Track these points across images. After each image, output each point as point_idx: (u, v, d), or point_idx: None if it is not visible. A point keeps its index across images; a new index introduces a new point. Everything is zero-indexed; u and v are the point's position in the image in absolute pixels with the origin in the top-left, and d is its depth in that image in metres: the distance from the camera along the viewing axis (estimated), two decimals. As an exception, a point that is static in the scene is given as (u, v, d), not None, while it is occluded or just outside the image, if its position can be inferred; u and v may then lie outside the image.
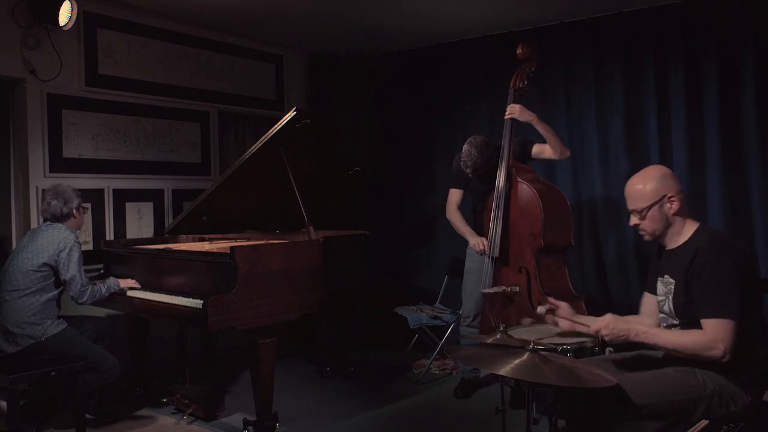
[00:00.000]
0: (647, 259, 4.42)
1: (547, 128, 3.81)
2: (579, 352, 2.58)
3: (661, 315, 2.43)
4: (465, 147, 3.88)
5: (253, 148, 3.80)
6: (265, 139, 3.75)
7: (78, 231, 3.81)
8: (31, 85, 4.20)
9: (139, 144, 4.78)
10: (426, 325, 4.73)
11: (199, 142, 5.19)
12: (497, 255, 3.73)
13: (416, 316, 4.63)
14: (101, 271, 4.16)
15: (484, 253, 3.84)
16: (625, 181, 2.45)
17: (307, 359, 5.05)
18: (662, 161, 4.35)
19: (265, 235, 4.61)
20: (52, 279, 3.57)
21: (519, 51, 3.84)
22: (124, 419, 3.80)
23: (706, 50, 4.33)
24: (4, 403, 3.31)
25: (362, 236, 4.34)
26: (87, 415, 3.46)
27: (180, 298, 3.47)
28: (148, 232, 4.83)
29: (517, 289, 3.64)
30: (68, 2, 4.07)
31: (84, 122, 4.46)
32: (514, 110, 3.77)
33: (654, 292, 2.48)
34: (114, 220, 4.62)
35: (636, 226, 2.41)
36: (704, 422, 2.19)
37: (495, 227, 3.73)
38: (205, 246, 4.06)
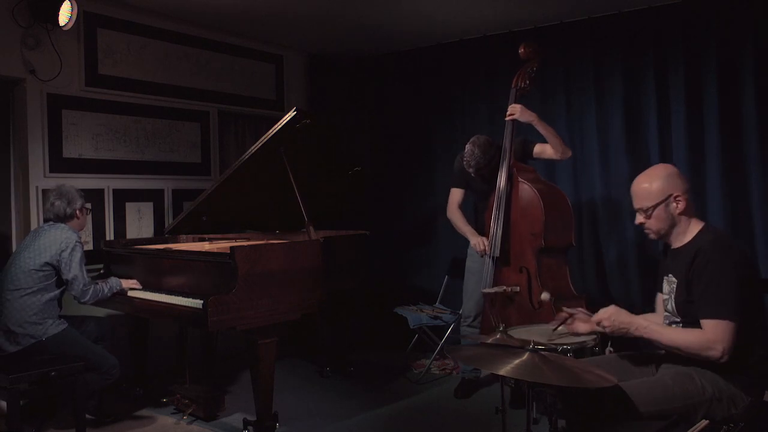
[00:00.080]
0: (647, 259, 4.46)
1: (548, 128, 3.81)
2: (579, 352, 2.58)
3: (665, 313, 2.42)
4: (468, 146, 3.88)
5: (253, 148, 3.80)
6: (265, 139, 3.75)
7: (80, 231, 3.80)
8: (31, 85, 4.20)
9: (139, 144, 4.78)
10: (426, 325, 4.73)
11: (199, 142, 5.19)
12: (498, 255, 3.73)
13: (416, 316, 4.63)
14: (101, 271, 4.16)
15: (485, 253, 3.85)
16: (626, 181, 2.45)
17: (307, 359, 5.05)
18: (662, 161, 4.31)
19: (265, 235, 4.61)
20: (54, 279, 3.57)
21: (521, 51, 3.83)
22: (124, 419, 3.80)
23: (706, 50, 4.33)
24: (4, 403, 3.31)
25: (362, 236, 4.34)
26: (87, 415, 3.46)
27: (180, 298, 3.46)
28: (148, 232, 4.83)
29: (518, 289, 3.64)
30: (68, 2, 4.07)
31: (84, 122, 4.46)
32: (515, 110, 3.76)
33: (662, 290, 2.47)
34: (114, 220, 4.62)
35: (641, 224, 2.39)
36: (704, 422, 2.18)
37: (496, 227, 3.73)
38: (205, 246, 4.05)
